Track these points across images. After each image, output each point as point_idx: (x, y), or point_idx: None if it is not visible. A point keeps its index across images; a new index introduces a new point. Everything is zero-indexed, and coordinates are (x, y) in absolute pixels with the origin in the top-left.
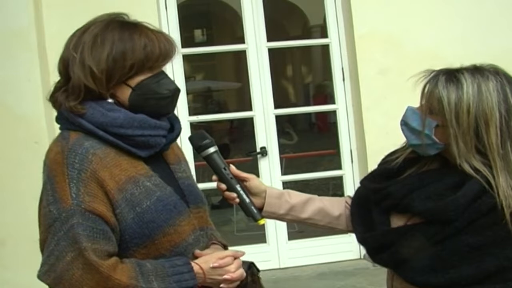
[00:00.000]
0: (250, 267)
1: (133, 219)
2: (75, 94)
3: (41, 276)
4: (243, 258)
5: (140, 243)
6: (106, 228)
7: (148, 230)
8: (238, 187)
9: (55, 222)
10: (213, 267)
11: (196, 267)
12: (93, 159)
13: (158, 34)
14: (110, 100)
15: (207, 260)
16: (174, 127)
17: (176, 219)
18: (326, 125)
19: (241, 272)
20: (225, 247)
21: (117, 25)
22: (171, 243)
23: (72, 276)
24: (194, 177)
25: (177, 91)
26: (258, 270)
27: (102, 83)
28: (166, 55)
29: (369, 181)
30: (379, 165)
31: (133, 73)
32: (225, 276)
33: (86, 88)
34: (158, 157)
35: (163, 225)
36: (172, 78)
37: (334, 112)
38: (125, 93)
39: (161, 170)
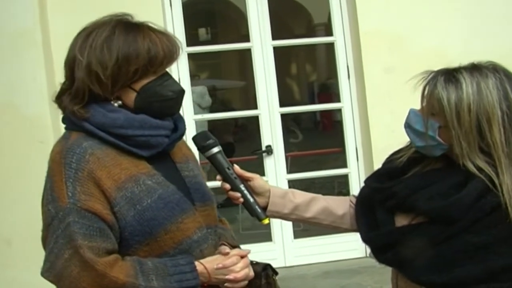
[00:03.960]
0: (265, 268)
1: (133, 217)
2: (79, 97)
3: (44, 273)
4: (258, 259)
5: (142, 240)
6: (103, 226)
7: (149, 228)
8: (242, 186)
9: (53, 221)
10: (217, 268)
11: (200, 267)
12: (90, 158)
13: (161, 36)
14: (113, 103)
15: (213, 260)
16: (178, 127)
17: (178, 216)
18: (331, 123)
19: (246, 272)
20: (234, 248)
21: (123, 28)
22: (174, 240)
23: (71, 273)
24: None
25: (181, 92)
26: (276, 273)
27: (108, 88)
28: (170, 57)
29: (373, 181)
30: (383, 164)
31: (137, 77)
32: (228, 276)
33: (90, 92)
34: (164, 156)
35: (164, 222)
36: (177, 77)
37: (339, 110)
38: (130, 97)
39: (165, 169)
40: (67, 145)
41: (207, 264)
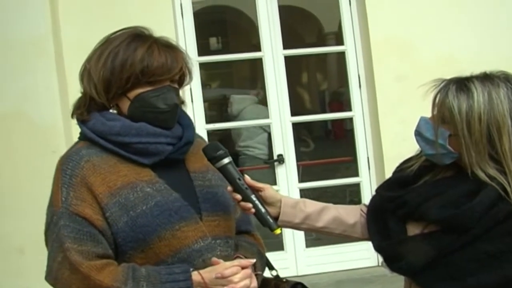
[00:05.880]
0: (294, 287)
1: (126, 223)
2: (83, 102)
3: (46, 277)
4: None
5: (136, 246)
6: (93, 230)
7: (142, 234)
8: (253, 197)
9: (50, 225)
10: (216, 278)
11: (197, 277)
12: (85, 165)
13: (165, 49)
14: (111, 111)
15: (212, 270)
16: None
17: (175, 224)
18: (342, 132)
19: (245, 283)
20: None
21: (129, 37)
22: (170, 248)
23: (63, 276)
24: None
25: (175, 106)
26: None
27: (102, 94)
28: (163, 71)
29: (385, 190)
30: (394, 173)
31: (130, 85)
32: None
33: (92, 99)
34: (176, 164)
35: (157, 229)
36: (188, 86)
37: (350, 119)
38: (125, 105)
39: (173, 177)
40: (68, 153)
41: (205, 274)
